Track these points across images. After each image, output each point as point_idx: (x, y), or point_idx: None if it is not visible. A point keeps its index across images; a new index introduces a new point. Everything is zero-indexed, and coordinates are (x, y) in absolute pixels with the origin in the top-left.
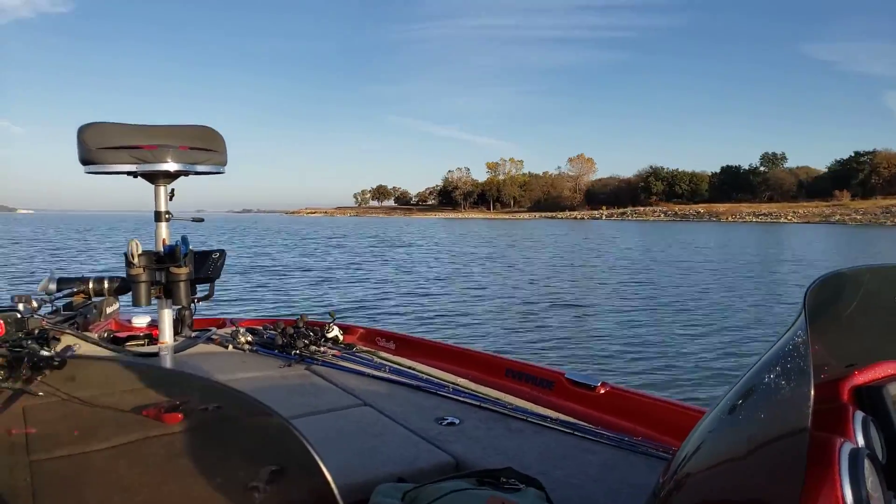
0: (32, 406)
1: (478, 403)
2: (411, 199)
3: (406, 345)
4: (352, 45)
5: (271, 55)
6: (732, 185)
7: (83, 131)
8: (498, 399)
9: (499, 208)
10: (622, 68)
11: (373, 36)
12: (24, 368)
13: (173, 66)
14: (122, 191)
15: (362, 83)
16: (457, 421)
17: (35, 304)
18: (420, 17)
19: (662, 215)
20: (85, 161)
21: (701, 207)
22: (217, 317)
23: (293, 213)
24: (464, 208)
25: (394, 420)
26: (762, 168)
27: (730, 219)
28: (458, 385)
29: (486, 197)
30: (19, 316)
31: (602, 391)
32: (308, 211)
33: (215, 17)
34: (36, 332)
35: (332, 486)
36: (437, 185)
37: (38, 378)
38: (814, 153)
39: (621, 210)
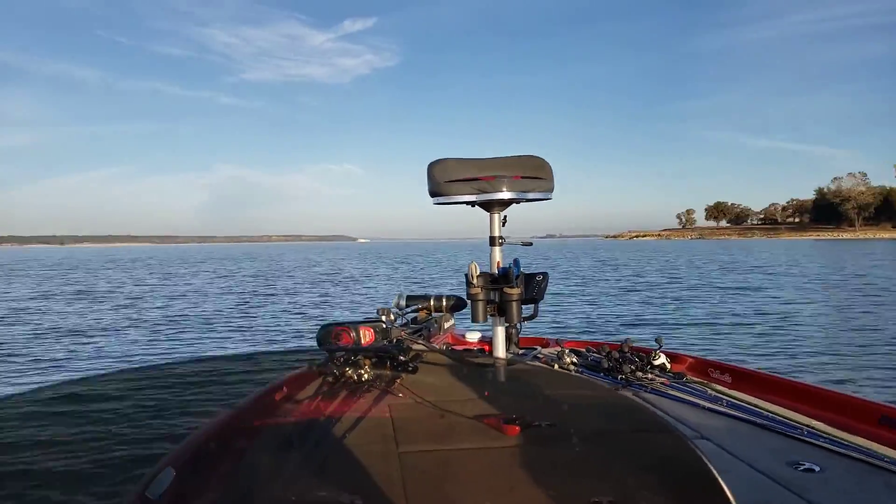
0: (396, 404)
1: (843, 451)
2: (749, 216)
3: (745, 378)
4: (659, 63)
5: (578, 81)
6: None
7: (432, 167)
8: (869, 449)
9: None
10: None
11: (683, 49)
12: (387, 370)
13: (484, 101)
14: (437, 218)
15: (670, 100)
16: (816, 468)
17: (392, 316)
18: (739, 21)
19: None
20: (434, 193)
21: None
22: (539, 336)
23: (614, 236)
24: (856, 225)
25: (738, 458)
26: None
27: None
28: (813, 428)
29: (893, 209)
30: (384, 326)
31: None
32: (633, 234)
33: (519, 54)
34: (394, 341)
35: None
36: (793, 200)
37: (398, 381)
38: None
39: None
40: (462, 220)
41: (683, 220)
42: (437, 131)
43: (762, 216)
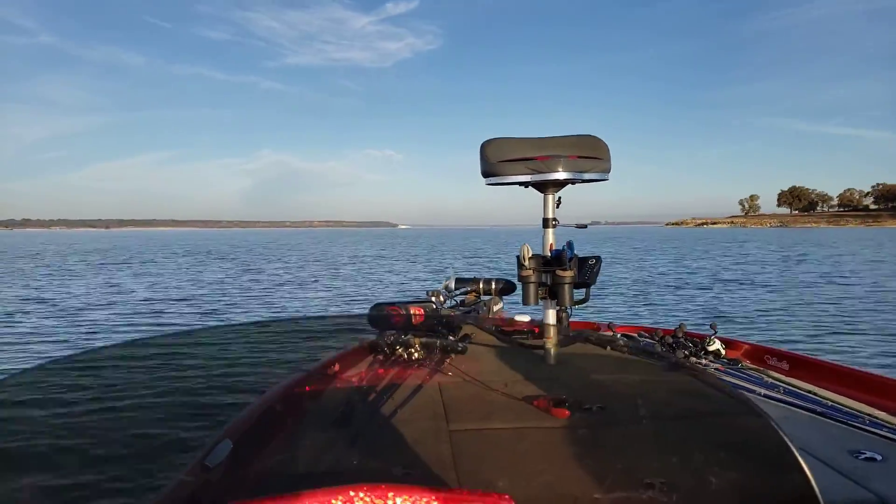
0: (446, 382)
1: None
2: (824, 202)
3: (803, 366)
4: (710, 45)
5: (625, 66)
6: None
7: (486, 146)
8: None
9: None
10: None
11: (732, 31)
12: (437, 349)
13: (530, 86)
14: (480, 204)
15: (717, 86)
16: (878, 457)
17: (442, 298)
18: (790, 2)
19: None
20: (486, 174)
21: None
22: (591, 321)
23: (675, 223)
24: None
25: (796, 446)
26: None
27: None
28: (875, 417)
29: None
30: (434, 307)
31: None
32: (698, 221)
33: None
34: (444, 321)
35: (815, 489)
36: (878, 184)
37: (447, 360)
38: None
39: None
40: (507, 206)
41: (746, 206)
42: (480, 116)
43: (835, 202)
